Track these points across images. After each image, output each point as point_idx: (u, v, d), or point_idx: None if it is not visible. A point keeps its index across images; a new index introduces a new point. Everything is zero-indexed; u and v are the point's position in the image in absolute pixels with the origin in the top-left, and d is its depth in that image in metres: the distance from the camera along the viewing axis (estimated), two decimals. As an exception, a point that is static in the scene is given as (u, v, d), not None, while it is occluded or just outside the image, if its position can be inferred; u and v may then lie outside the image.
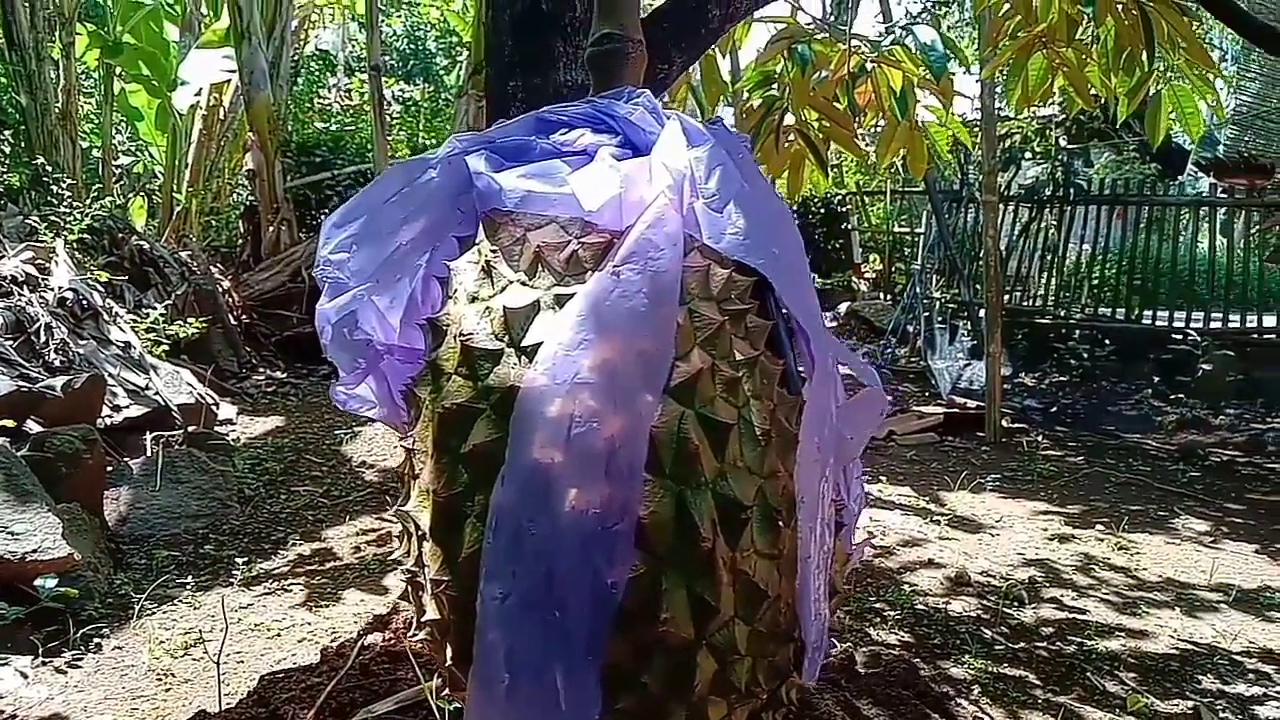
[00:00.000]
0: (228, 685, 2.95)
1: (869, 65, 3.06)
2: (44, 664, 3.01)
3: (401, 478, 1.10)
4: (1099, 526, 4.94)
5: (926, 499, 5.33)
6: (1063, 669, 3.27)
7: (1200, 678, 3.24)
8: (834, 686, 2.02)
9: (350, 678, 1.37)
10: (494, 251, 1.02)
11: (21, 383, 4.15)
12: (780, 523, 0.98)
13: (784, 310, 1.04)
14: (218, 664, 2.45)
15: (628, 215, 0.95)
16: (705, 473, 0.92)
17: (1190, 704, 3.04)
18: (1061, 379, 8.88)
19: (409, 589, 1.05)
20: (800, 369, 1.07)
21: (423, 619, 1.06)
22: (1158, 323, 8.77)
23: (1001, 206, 8.49)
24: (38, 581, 2.90)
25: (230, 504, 4.58)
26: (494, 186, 1.01)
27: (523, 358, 0.96)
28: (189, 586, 3.68)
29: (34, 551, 3.07)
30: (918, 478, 5.83)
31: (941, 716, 1.56)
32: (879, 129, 4.50)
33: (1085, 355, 8.80)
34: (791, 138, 3.62)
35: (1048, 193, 9.41)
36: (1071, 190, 9.44)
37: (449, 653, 1.00)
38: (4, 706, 2.75)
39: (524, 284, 1.00)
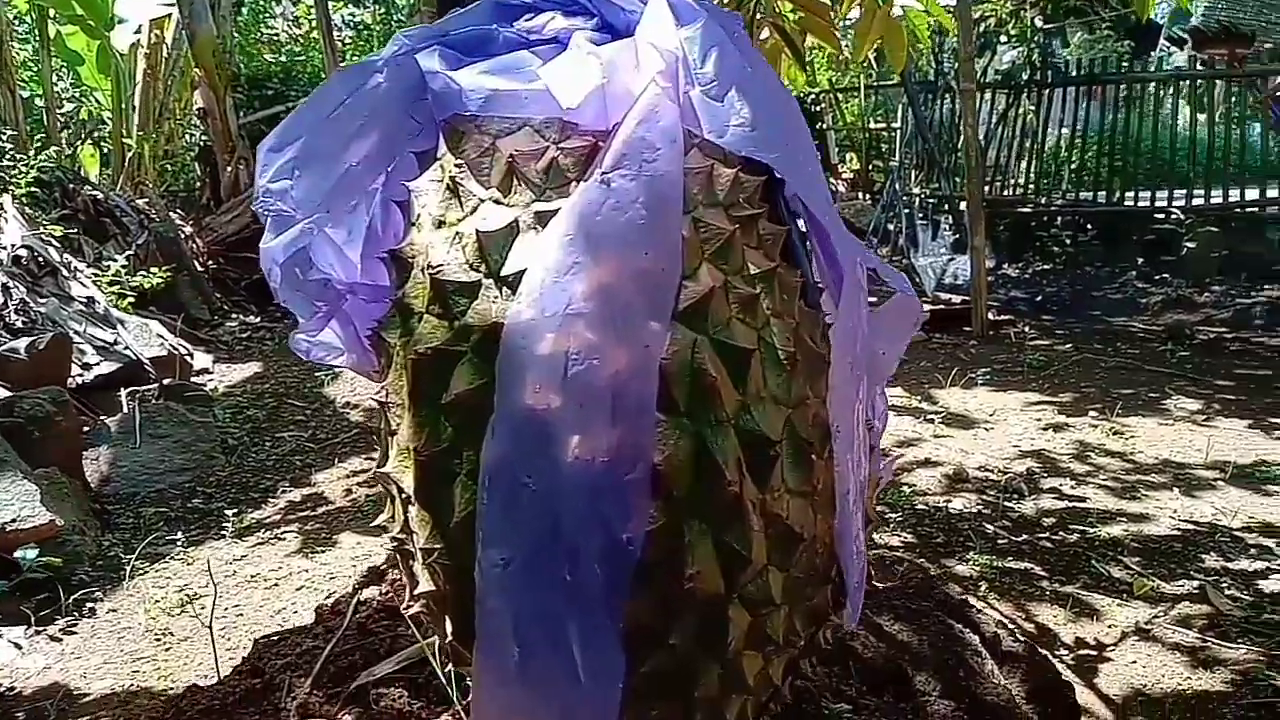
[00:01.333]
0: (228, 640, 2.90)
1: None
2: (38, 633, 2.95)
3: (377, 434, 0.99)
4: (1092, 413, 4.93)
5: (918, 398, 5.29)
6: (1067, 558, 3.27)
7: (1203, 557, 3.25)
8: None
9: (348, 639, 1.29)
10: (459, 166, 0.88)
11: (-19, 349, 3.99)
12: (813, 456, 0.87)
13: (795, 212, 0.92)
14: (210, 627, 2.38)
15: (613, 110, 0.81)
16: (725, 407, 0.81)
17: (1195, 584, 3.05)
18: (1045, 267, 8.81)
19: (397, 558, 0.95)
20: (818, 279, 0.96)
21: (416, 591, 0.95)
22: (1140, 203, 8.67)
23: (978, 94, 8.27)
24: (18, 553, 2.81)
25: (215, 455, 4.48)
26: (453, 87, 0.86)
27: (504, 289, 0.83)
28: (180, 543, 3.60)
29: (12, 521, 2.98)
30: (907, 376, 5.78)
31: (965, 625, 1.51)
32: (853, 21, 4.28)
33: (1068, 241, 8.72)
34: (766, 33, 3.44)
35: (1025, 77, 9.17)
36: (1049, 73, 9.20)
37: (449, 628, 0.90)
38: (1, 679, 2.69)
39: (498, 202, 0.86)
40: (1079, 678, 2.56)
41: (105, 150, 8.45)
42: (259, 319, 7.77)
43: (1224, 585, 3.03)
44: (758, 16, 3.16)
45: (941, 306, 7.58)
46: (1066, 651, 2.68)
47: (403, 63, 0.88)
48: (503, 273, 0.83)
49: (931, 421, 4.79)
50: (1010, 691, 1.37)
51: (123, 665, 2.79)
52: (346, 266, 0.97)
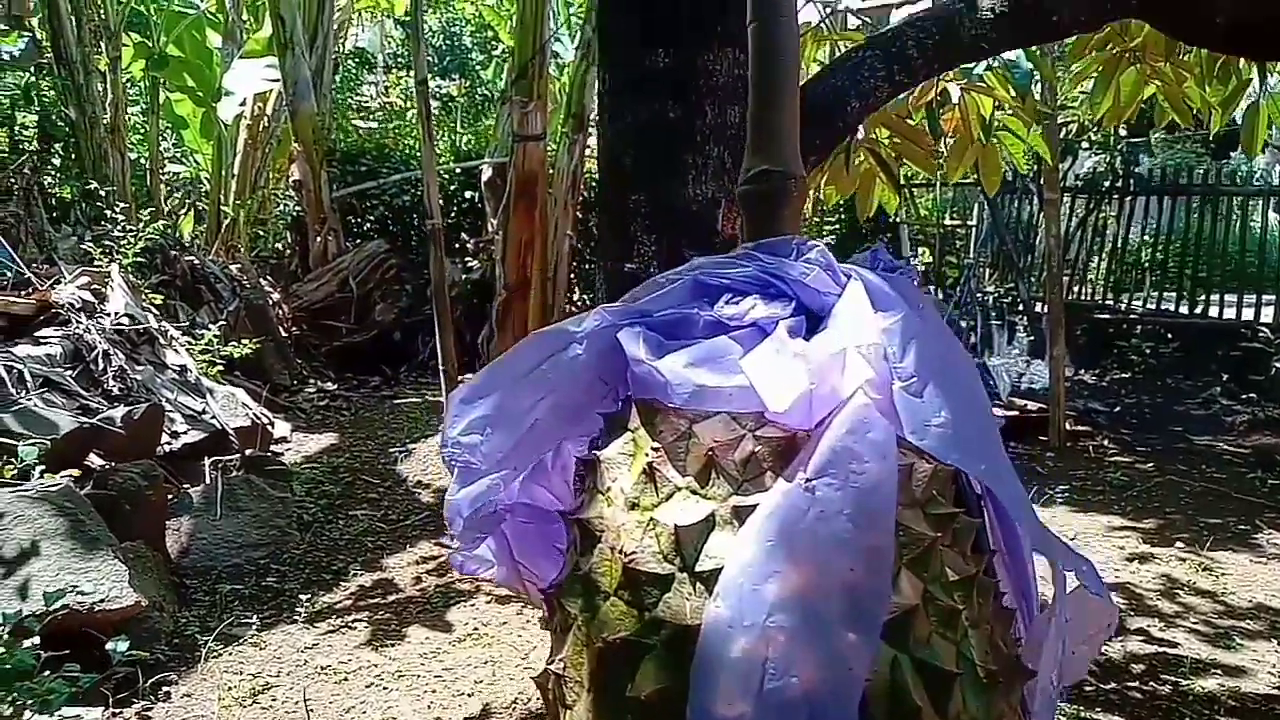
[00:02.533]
0: (299, 738, 2.91)
1: (956, 92, 2.91)
2: (115, 715, 2.99)
3: (545, 698, 0.98)
4: (1179, 544, 4.74)
5: (995, 515, 5.16)
6: (1159, 713, 3.11)
7: (1308, 724, 3.07)
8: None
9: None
10: (656, 450, 0.88)
11: (83, 418, 4.15)
12: None
13: (981, 496, 0.92)
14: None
15: (818, 411, 0.81)
16: None
17: (1301, 756, 2.88)
18: (1124, 376, 8.60)
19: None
20: (993, 548, 0.95)
21: None
22: (1225, 313, 8.44)
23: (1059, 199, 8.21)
24: (109, 645, 2.87)
25: (290, 531, 4.56)
26: (658, 378, 0.87)
27: (698, 585, 0.82)
28: (253, 625, 3.65)
29: (102, 601, 3.05)
30: (983, 490, 5.65)
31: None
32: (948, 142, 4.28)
33: (1148, 351, 8.51)
34: (861, 157, 3.48)
35: (1106, 184, 9.10)
36: (1131, 180, 9.11)
37: None
38: (78, 763, 2.73)
39: (695, 492, 0.86)
40: None
41: (200, 211, 8.85)
42: (336, 386, 7.96)
43: (1332, 760, 2.85)
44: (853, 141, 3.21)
45: (1017, 414, 7.42)
46: (1163, 825, 2.54)
47: (603, 336, 0.90)
48: (697, 568, 0.83)
49: (1009, 543, 4.65)
50: None
51: (195, 757, 2.82)
52: (508, 491, 0.99)
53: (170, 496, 4.52)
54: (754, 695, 0.70)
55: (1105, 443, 7.03)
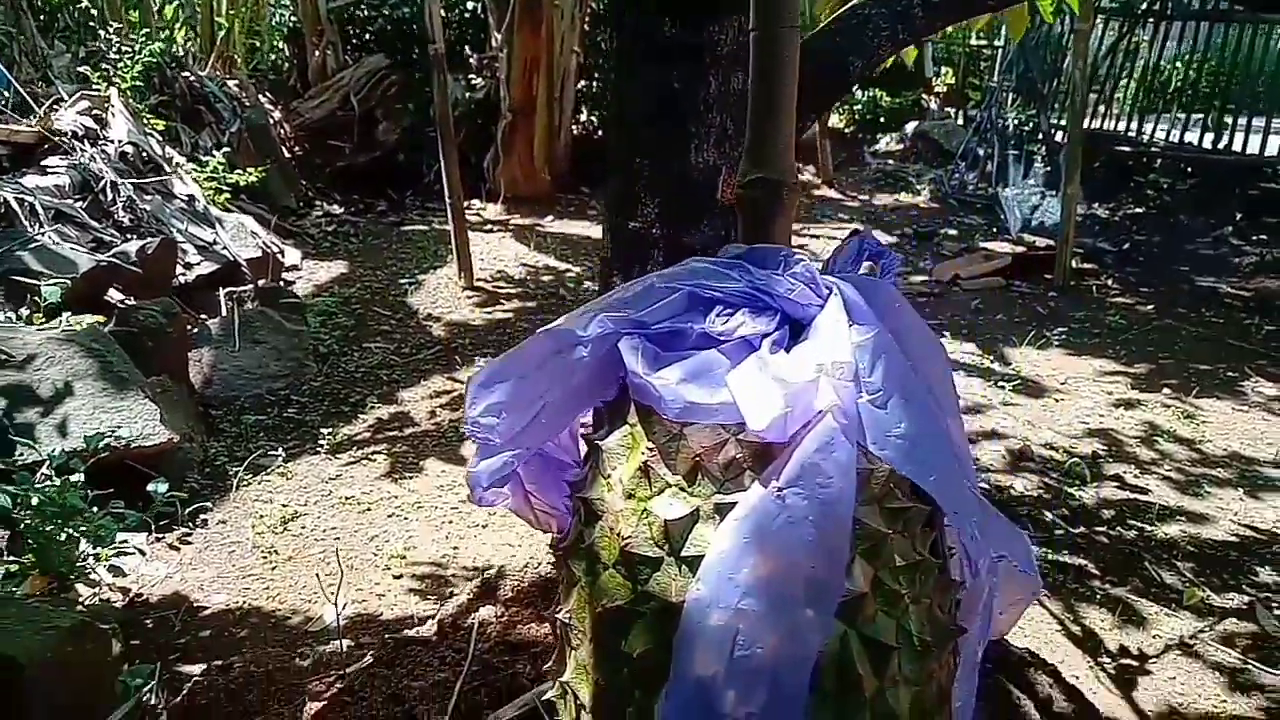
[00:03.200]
0: (328, 564, 3.17)
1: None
2: (158, 540, 3.26)
3: (554, 632, 1.12)
4: (1166, 390, 4.89)
5: (991, 357, 5.29)
6: (1122, 557, 3.36)
7: (1258, 569, 3.31)
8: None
9: (473, 675, 1.47)
10: (650, 450, 1.01)
11: (98, 254, 4.22)
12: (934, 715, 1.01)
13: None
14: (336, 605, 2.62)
15: (792, 426, 0.92)
16: (866, 692, 0.95)
17: (1246, 598, 3.13)
18: (1137, 212, 8.51)
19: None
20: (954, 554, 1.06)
21: None
22: (1248, 150, 8.24)
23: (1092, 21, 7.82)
24: (150, 487, 3.08)
25: (307, 363, 4.73)
26: (652, 392, 0.98)
27: (683, 567, 0.97)
28: (279, 456, 3.87)
29: (136, 439, 3.24)
30: (982, 330, 5.77)
31: (1021, 688, 1.64)
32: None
33: (1165, 186, 8.38)
34: None
35: (1143, 6, 8.63)
36: (1169, 4, 8.64)
37: None
38: (129, 584, 3.01)
39: (683, 489, 0.99)
40: (1118, 689, 2.71)
41: (194, 26, 8.49)
42: (342, 210, 7.94)
43: (1274, 605, 3.11)
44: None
45: (1025, 250, 7.43)
46: (1109, 660, 2.82)
47: (605, 342, 0.98)
48: (683, 554, 0.97)
49: (1002, 388, 4.81)
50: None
51: (234, 581, 3.09)
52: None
53: (189, 327, 4.66)
54: (726, 660, 0.86)
55: (1109, 282, 7.08)
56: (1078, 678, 2.76)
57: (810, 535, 0.87)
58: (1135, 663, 2.81)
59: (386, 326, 5.40)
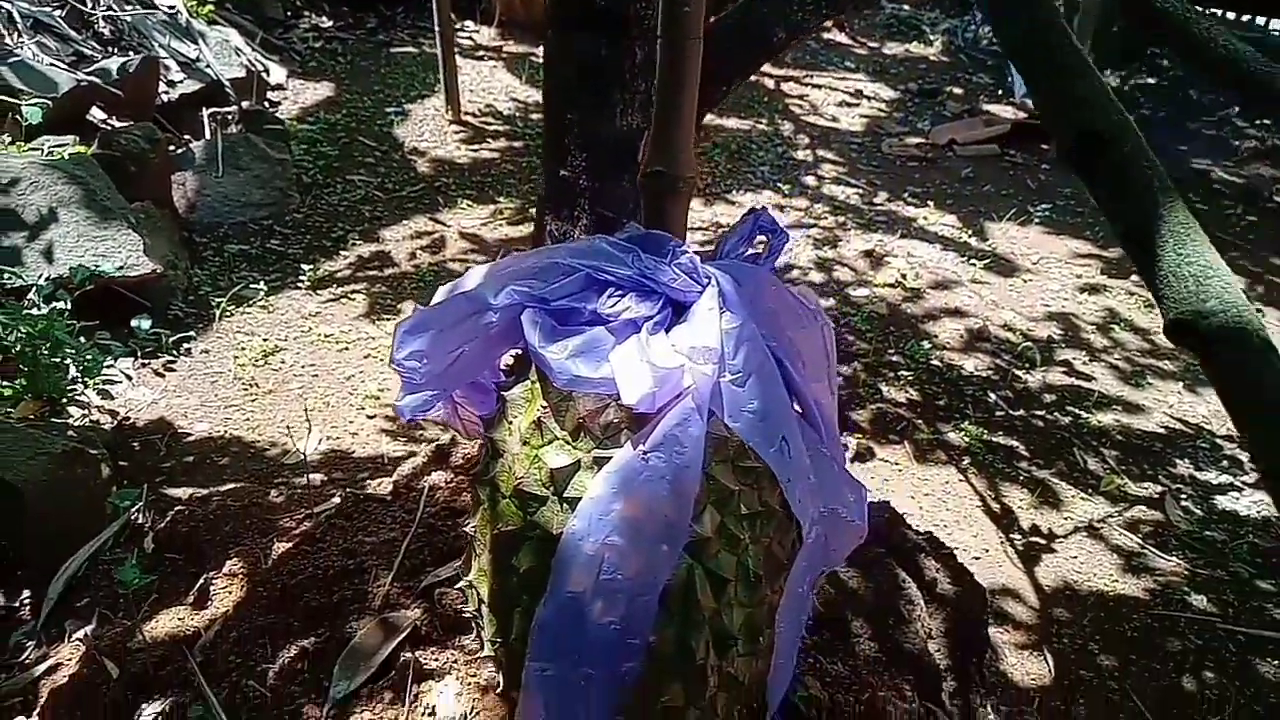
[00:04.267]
0: (305, 399, 3.36)
1: None
2: (143, 365, 3.42)
3: (465, 540, 1.28)
4: (1134, 277, 4.99)
5: (969, 231, 5.35)
6: (1052, 441, 3.58)
7: (1178, 461, 3.54)
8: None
9: (419, 537, 1.66)
10: (544, 409, 1.17)
11: (79, 75, 4.15)
12: (763, 632, 1.19)
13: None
14: (304, 464, 2.78)
15: (659, 401, 1.08)
16: (704, 611, 1.16)
17: (1160, 489, 3.37)
18: (1148, 83, 8.31)
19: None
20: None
21: (481, 653, 1.32)
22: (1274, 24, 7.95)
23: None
24: (134, 322, 3.21)
25: (290, 193, 4.75)
26: (546, 362, 1.12)
27: (564, 505, 1.15)
28: (261, 289, 3.98)
29: (120, 269, 3.34)
30: (966, 202, 5.79)
31: (910, 573, 1.85)
32: None
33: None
34: None
35: None
36: None
37: (503, 681, 1.28)
38: (117, 407, 3.19)
39: (568, 443, 1.16)
40: (1022, 565, 2.98)
41: None
42: (331, 23, 7.66)
43: (1183, 496, 3.35)
44: None
45: (1025, 118, 7.32)
46: (1020, 538, 3.08)
47: (512, 311, 1.11)
48: (565, 495, 1.16)
49: (974, 264, 4.90)
50: (926, 641, 1.74)
51: (216, 410, 3.28)
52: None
53: (172, 147, 4.65)
54: (594, 581, 1.08)
55: (1104, 158, 7.01)
56: (988, 551, 3.04)
57: (665, 490, 1.06)
58: (1043, 541, 3.08)
59: (371, 159, 5.38)
